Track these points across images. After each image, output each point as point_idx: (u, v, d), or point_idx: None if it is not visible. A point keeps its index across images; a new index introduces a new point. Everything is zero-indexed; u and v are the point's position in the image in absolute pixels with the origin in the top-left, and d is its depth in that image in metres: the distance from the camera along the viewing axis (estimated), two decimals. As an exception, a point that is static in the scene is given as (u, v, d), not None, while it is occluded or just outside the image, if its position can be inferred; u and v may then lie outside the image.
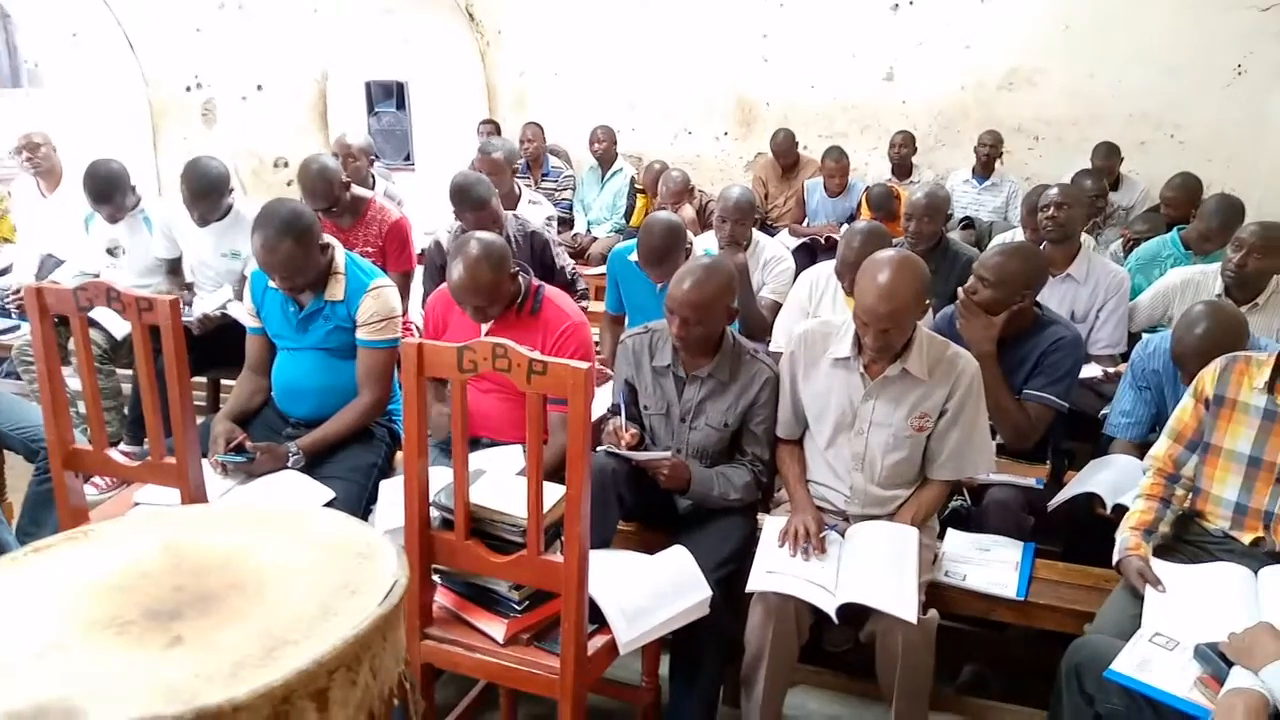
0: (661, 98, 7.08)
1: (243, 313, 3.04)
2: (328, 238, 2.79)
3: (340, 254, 2.81)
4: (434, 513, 2.00)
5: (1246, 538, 2.16)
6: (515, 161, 4.60)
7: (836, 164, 5.88)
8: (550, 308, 2.67)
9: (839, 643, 2.79)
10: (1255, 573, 2.05)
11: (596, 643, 1.98)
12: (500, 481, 2.03)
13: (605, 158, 6.25)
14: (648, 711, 2.31)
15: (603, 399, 3.04)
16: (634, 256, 3.36)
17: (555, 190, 6.23)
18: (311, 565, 1.45)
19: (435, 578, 2.07)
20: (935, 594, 2.33)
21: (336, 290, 2.76)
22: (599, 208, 6.21)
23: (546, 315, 2.66)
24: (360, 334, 2.76)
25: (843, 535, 2.37)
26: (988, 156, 5.79)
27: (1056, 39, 6.10)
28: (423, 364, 1.85)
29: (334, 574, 1.43)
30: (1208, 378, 2.22)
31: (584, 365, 1.73)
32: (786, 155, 6.25)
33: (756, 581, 2.23)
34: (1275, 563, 2.06)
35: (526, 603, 1.97)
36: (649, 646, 2.28)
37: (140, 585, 1.33)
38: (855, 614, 2.20)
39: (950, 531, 2.56)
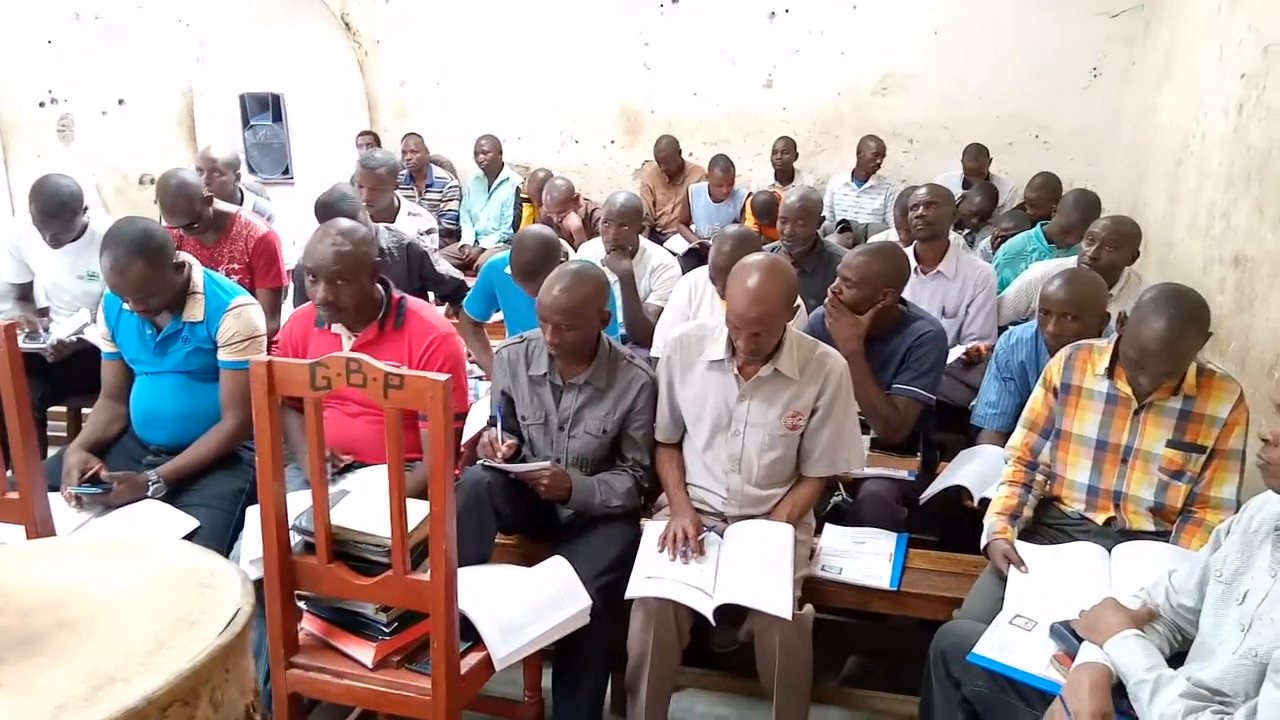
0: (547, 107, 7.05)
1: (99, 338, 2.89)
2: (185, 256, 2.68)
3: (198, 273, 2.70)
4: (295, 537, 1.93)
5: (1100, 518, 2.26)
6: (397, 174, 4.51)
7: (724, 173, 5.97)
8: (415, 320, 2.60)
9: (724, 643, 2.82)
10: (1109, 551, 2.14)
11: (471, 660, 1.94)
12: (363, 502, 1.97)
13: (491, 167, 6.19)
14: (532, 726, 2.27)
15: (481, 411, 3.00)
16: (509, 269, 3.33)
17: (440, 201, 6.14)
18: (148, 597, 1.39)
19: (300, 604, 1.99)
20: (813, 589, 2.36)
21: (195, 310, 2.65)
22: (486, 218, 6.14)
23: (411, 328, 2.59)
24: (222, 355, 2.65)
25: (721, 536, 2.38)
26: (872, 161, 5.92)
27: (926, 45, 6.31)
28: (273, 382, 1.78)
29: (172, 605, 1.36)
30: (1054, 367, 2.33)
31: (442, 377, 1.69)
32: (670, 161, 6.31)
33: (636, 588, 2.22)
34: (1127, 540, 2.16)
35: (395, 624, 1.91)
36: (530, 659, 2.25)
37: (-41, 629, 1.25)
38: (735, 614, 2.21)
39: (827, 527, 2.61)
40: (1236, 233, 3.55)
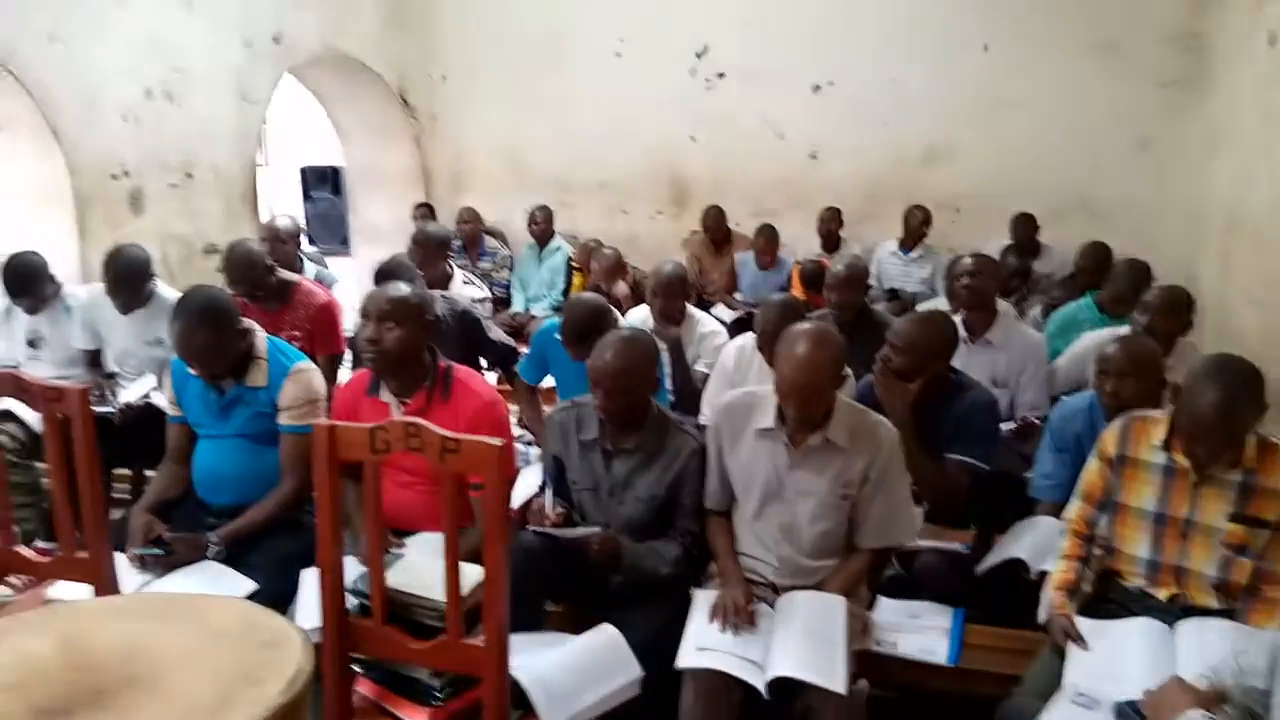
0: (597, 178, 7.22)
1: (165, 401, 2.98)
2: (248, 323, 2.77)
3: (261, 339, 2.79)
4: (352, 600, 1.95)
5: (1162, 594, 2.20)
6: (449, 245, 4.63)
7: (768, 242, 6.05)
8: (461, 389, 2.65)
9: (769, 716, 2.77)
10: (1172, 627, 2.08)
11: (522, 728, 1.94)
12: (418, 565, 2.00)
13: (543, 236, 6.34)
14: (581, 799, 2.24)
15: (533, 477, 3.03)
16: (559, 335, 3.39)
17: (492, 270, 6.27)
18: (212, 655, 1.42)
19: (355, 668, 2.01)
20: (867, 662, 2.32)
21: (258, 376, 2.73)
22: (537, 285, 6.26)
23: (458, 396, 2.63)
24: (282, 419, 2.72)
25: (772, 606, 2.36)
26: (919, 230, 5.96)
27: (972, 114, 6.36)
28: (335, 446, 1.83)
29: (236, 664, 1.39)
30: (1109, 438, 2.29)
31: (498, 442, 1.73)
32: (717, 231, 6.39)
33: (686, 658, 2.21)
34: (1191, 617, 2.10)
35: (449, 690, 1.93)
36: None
37: (31, 682, 1.29)
38: (788, 689, 2.18)
39: (881, 599, 2.57)
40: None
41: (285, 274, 3.78)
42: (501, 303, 6.16)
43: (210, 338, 2.58)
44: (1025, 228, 5.67)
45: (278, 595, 2.52)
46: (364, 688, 2.01)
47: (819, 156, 6.77)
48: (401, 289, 2.63)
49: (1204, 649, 1.91)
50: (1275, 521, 2.09)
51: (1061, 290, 4.62)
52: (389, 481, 2.65)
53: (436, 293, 3.82)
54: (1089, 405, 2.78)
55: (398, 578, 1.93)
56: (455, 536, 1.79)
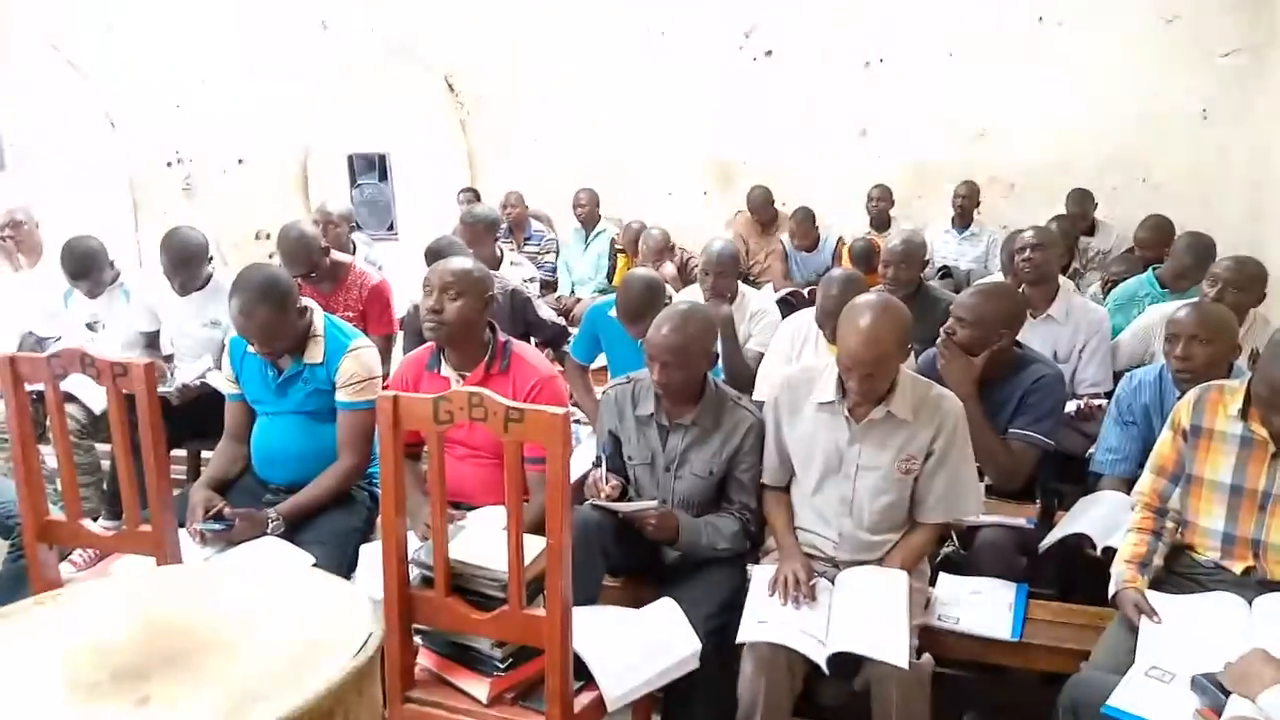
0: (642, 159, 7.17)
1: (222, 381, 3.01)
2: (306, 300, 2.79)
3: (319, 317, 2.80)
4: (414, 571, 1.96)
5: (1237, 567, 2.14)
6: (497, 227, 4.63)
7: (800, 225, 5.96)
8: (519, 363, 2.63)
9: (834, 696, 2.74)
10: (1249, 602, 2.02)
11: (584, 700, 1.93)
12: (480, 536, 2.00)
13: (588, 220, 6.31)
14: (642, 773, 2.24)
15: (583, 455, 3.02)
16: (614, 312, 3.37)
17: (539, 254, 6.26)
18: (285, 622, 1.43)
19: (417, 639, 2.02)
20: (928, 639, 2.28)
21: (315, 353, 2.75)
22: (582, 268, 6.24)
23: (516, 370, 2.62)
24: (340, 396, 2.74)
25: (832, 582, 2.33)
26: (963, 207, 5.87)
27: (1026, 90, 6.22)
28: (398, 417, 1.83)
29: (307, 631, 1.40)
30: (1183, 409, 2.23)
31: (560, 410, 1.72)
32: (763, 211, 6.32)
33: (747, 632, 2.19)
34: (1269, 591, 2.04)
35: (510, 660, 1.92)
36: (640, 703, 2.22)
37: (109, 647, 1.31)
38: (849, 663, 2.16)
39: (942, 575, 2.53)
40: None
41: (339, 255, 3.81)
42: (548, 286, 6.16)
43: (270, 315, 2.60)
44: (1081, 204, 5.54)
45: (335, 570, 2.52)
46: (426, 659, 2.01)
47: (868, 134, 6.67)
48: (465, 261, 2.63)
49: (1284, 623, 1.85)
50: (1359, 493, 2.02)
51: (1121, 265, 4.51)
52: (447, 456, 2.66)
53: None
54: (1157, 376, 2.71)
55: (459, 549, 1.93)
56: (518, 506, 1.79)
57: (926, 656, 2.16)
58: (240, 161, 5.38)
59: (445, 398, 1.79)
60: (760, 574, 2.36)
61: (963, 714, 2.64)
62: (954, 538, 2.69)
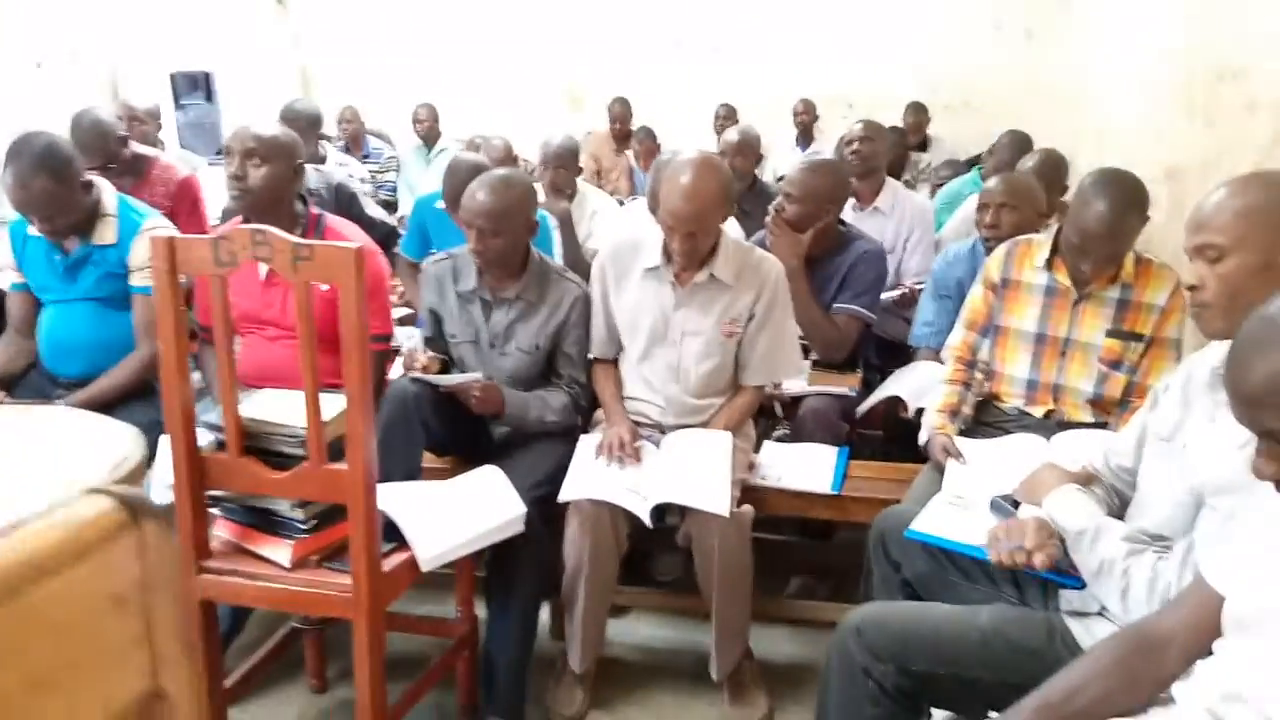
0: (485, 78, 6.96)
1: (3, 267, 2.74)
2: (93, 177, 2.55)
3: (110, 194, 2.57)
4: (206, 437, 1.82)
5: (1039, 411, 2.24)
6: (320, 124, 4.36)
7: (641, 144, 5.95)
8: (334, 237, 2.49)
9: (667, 571, 2.76)
10: (1049, 440, 2.11)
11: (394, 560, 1.84)
12: (275, 397, 1.87)
13: (429, 136, 6.09)
14: (463, 644, 2.18)
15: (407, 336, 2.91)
16: (441, 204, 3.25)
17: (378, 172, 5.99)
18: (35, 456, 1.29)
19: (214, 511, 1.88)
20: (752, 497, 2.29)
21: (106, 233, 2.53)
22: (426, 187, 6.00)
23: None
24: (134, 280, 2.54)
25: (658, 446, 2.32)
26: (803, 123, 5.96)
27: (860, 11, 6.37)
28: (175, 261, 1.68)
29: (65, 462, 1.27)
30: (993, 263, 2.31)
31: (353, 245, 1.61)
32: (624, 122, 6.25)
33: (570, 490, 2.15)
34: (1066, 430, 2.14)
35: (314, 522, 1.81)
36: (463, 576, 2.16)
37: None
38: (672, 515, 2.16)
39: (767, 443, 2.56)
40: (1170, 148, 3.59)
41: (141, 148, 3.51)
42: (388, 206, 5.91)
43: (49, 185, 2.35)
44: (916, 115, 5.71)
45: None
46: (224, 529, 1.88)
47: (720, 53, 6.67)
48: (271, 125, 2.44)
49: (1078, 454, 1.94)
50: (1149, 335, 2.13)
51: (948, 170, 4.67)
52: (256, 337, 2.51)
53: (308, 166, 3.60)
54: (970, 250, 2.80)
55: (253, 408, 1.81)
56: (312, 351, 1.67)
57: (747, 506, 2.18)
58: (38, 65, 4.89)
59: (226, 237, 1.65)
60: (587, 440, 2.33)
61: (791, 578, 2.70)
62: (778, 407, 2.73)
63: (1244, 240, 1.36)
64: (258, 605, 1.91)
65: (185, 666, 0.61)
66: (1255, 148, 2.72)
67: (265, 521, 1.84)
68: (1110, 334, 2.15)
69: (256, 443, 1.79)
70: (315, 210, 2.51)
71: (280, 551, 1.80)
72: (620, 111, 6.25)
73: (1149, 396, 1.69)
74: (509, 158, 5.10)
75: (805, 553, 2.78)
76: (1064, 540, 1.55)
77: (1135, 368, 2.16)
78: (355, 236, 2.49)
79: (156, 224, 2.58)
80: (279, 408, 1.82)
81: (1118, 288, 2.15)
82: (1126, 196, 2.03)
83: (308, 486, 1.75)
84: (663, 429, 2.38)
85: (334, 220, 2.54)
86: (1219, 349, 1.48)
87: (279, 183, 2.38)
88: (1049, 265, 2.20)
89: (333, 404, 1.75)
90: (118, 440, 1.27)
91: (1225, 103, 3.07)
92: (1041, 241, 2.25)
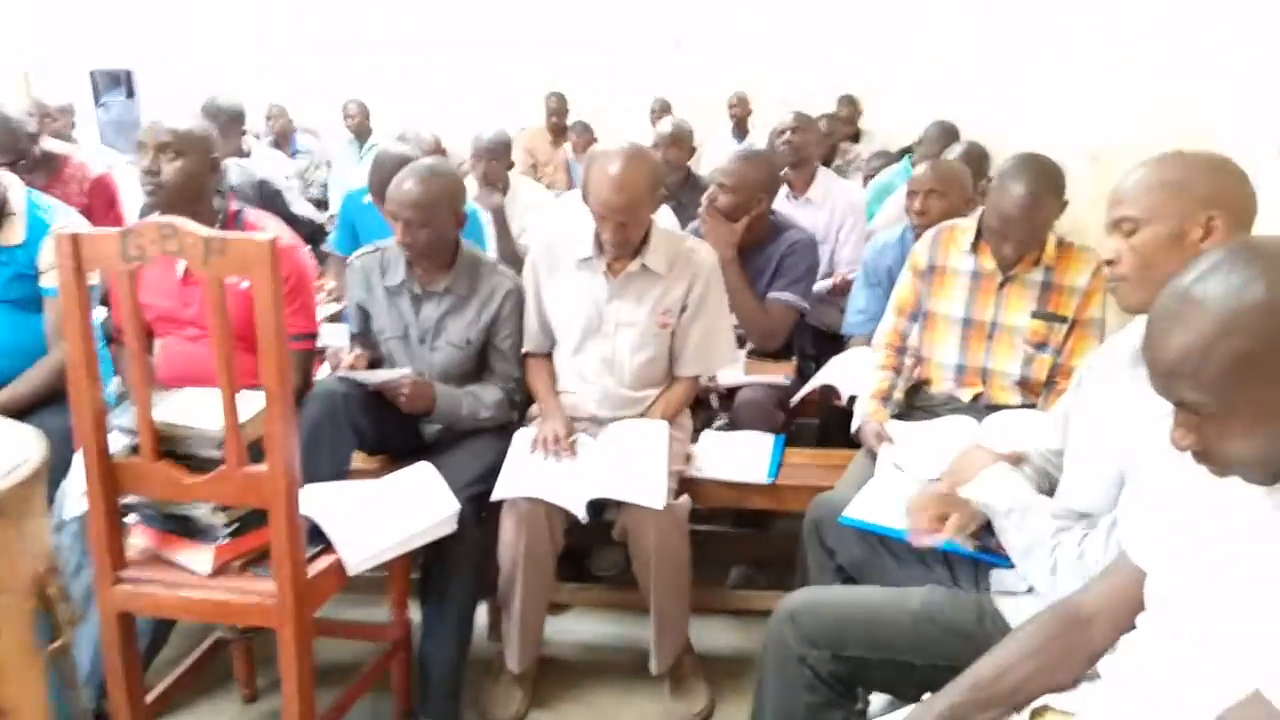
0: (416, 75, 6.86)
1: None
2: (3, 172, 2.45)
3: (17, 192, 2.46)
4: (119, 441, 1.75)
5: (967, 394, 2.27)
6: (243, 118, 4.25)
7: (580, 137, 5.94)
8: (253, 232, 2.42)
9: (607, 567, 2.74)
10: (979, 423, 2.13)
11: (321, 564, 1.79)
12: (192, 398, 1.81)
13: (360, 130, 6.00)
14: (398, 649, 2.13)
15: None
16: (369, 199, 3.18)
17: (307, 169, 5.88)
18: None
19: (130, 519, 1.81)
20: (689, 488, 2.28)
21: (13, 233, 2.42)
22: (358, 183, 5.89)
23: None
24: (44, 281, 2.43)
25: (595, 439, 2.29)
26: (737, 116, 5.99)
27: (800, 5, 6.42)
28: (80, 257, 1.61)
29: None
30: (919, 250, 2.33)
31: (267, 238, 1.55)
32: (560, 116, 6.21)
33: (504, 488, 2.12)
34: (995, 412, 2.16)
35: (235, 527, 1.75)
36: (396, 579, 2.12)
37: None
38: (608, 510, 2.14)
39: (704, 433, 2.55)
40: (1093, 130, 3.67)
41: (54, 145, 3.38)
42: (320, 204, 5.79)
43: (-53, 181, 2.25)
44: (850, 106, 5.76)
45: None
46: (142, 536, 1.81)
47: (657, 45, 6.68)
48: (186, 119, 2.36)
49: (1006, 433, 1.96)
50: (1071, 316, 2.17)
51: (879, 160, 4.71)
52: (175, 338, 2.42)
53: (231, 160, 3.51)
54: (899, 238, 2.82)
55: (169, 410, 1.74)
56: (228, 351, 1.61)
57: (684, 498, 2.17)
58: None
59: (134, 230, 1.58)
60: (521, 436, 2.29)
61: (730, 569, 2.70)
62: (714, 399, 2.72)
63: (1157, 211, 1.38)
64: (178, 616, 1.84)
65: (29, 678, 0.57)
66: (1176, 131, 2.79)
67: (184, 528, 1.77)
68: (1035, 316, 2.18)
69: (173, 446, 1.72)
70: (235, 205, 2.43)
71: (200, 559, 1.74)
72: (556, 105, 6.22)
73: (1074, 377, 1.71)
74: (437, 151, 5.03)
75: (745, 542, 2.78)
76: (991, 521, 1.56)
77: (1060, 349, 2.19)
78: (277, 231, 2.41)
79: (67, 224, 2.47)
80: (196, 409, 1.75)
81: (1041, 270, 2.18)
82: (1043, 180, 2.06)
83: (226, 490, 1.69)
84: (599, 422, 2.35)
85: (255, 215, 2.46)
86: (1140, 327, 1.50)
87: (194, 177, 2.30)
88: (974, 250, 2.23)
89: (251, 404, 1.70)
90: (15, 444, 1.21)
91: (1145, 89, 3.14)
92: (966, 227, 2.27)
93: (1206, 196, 1.36)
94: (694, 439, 2.50)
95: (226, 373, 1.62)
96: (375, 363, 2.39)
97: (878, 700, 1.69)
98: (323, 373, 2.52)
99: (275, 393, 1.61)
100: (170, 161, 2.27)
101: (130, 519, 1.82)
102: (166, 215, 2.27)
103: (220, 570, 1.74)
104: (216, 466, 1.69)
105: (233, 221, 2.40)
